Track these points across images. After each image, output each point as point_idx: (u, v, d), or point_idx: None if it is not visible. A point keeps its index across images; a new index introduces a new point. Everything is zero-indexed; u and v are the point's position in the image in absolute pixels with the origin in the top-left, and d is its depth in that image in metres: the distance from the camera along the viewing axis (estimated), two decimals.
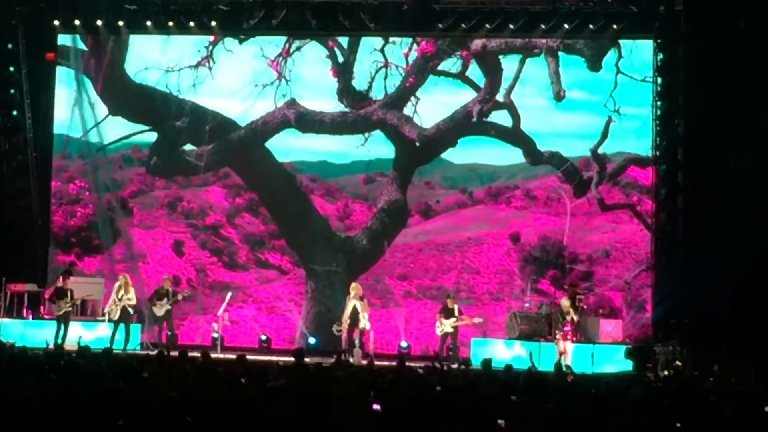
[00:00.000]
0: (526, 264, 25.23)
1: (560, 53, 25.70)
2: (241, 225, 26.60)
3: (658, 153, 24.14)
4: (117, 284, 23.00)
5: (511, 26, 24.57)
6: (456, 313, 23.01)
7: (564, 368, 18.36)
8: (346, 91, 26.52)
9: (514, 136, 26.01)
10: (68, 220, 26.26)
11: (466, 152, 26.68)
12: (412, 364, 16.70)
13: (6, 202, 25.56)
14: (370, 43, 26.33)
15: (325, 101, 26.42)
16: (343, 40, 26.43)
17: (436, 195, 26.91)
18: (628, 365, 21.18)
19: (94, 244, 25.89)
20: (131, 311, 22.81)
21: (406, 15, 24.77)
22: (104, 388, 9.86)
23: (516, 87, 26.00)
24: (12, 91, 25.58)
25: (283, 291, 25.89)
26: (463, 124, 26.21)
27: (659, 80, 24.18)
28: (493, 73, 26.33)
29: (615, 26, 24.31)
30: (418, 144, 26.24)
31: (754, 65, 22.03)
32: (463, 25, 24.71)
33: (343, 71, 26.53)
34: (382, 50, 26.40)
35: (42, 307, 24.57)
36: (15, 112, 25.63)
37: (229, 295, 24.10)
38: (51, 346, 19.56)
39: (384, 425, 9.26)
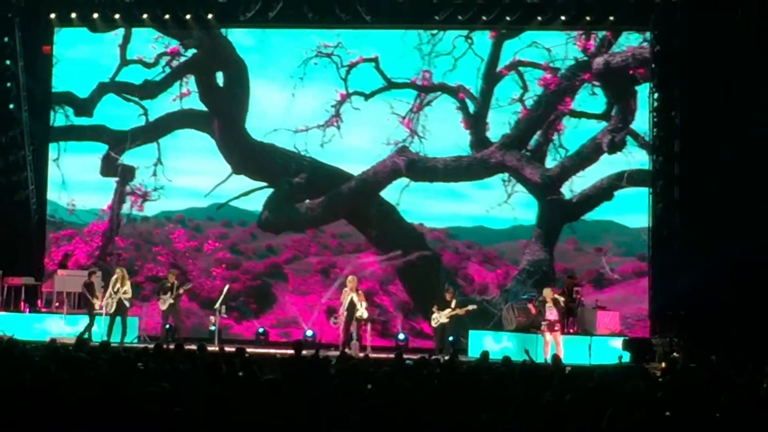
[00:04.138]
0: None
1: None
2: (395, 292, 25.63)
3: (655, 144, 24.13)
4: (114, 277, 22.97)
5: (508, 18, 24.54)
6: (452, 305, 22.95)
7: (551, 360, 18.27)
8: (480, 143, 25.52)
9: None
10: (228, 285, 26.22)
11: (642, 215, 24.28)
12: (410, 356, 16.68)
13: (3, 196, 25.55)
14: (507, 93, 25.48)
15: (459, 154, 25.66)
16: (475, 90, 25.50)
17: (610, 263, 24.90)
18: (625, 357, 21.15)
19: (252, 308, 25.88)
20: (127, 304, 22.81)
21: (403, 7, 24.74)
22: (99, 379, 9.87)
23: None
24: (8, 84, 25.56)
25: None
26: (592, 159, 24.77)
27: (656, 71, 24.18)
28: (623, 95, 24.76)
29: (612, 17, 24.31)
30: (564, 197, 24.78)
31: (751, 56, 22.01)
32: (460, 17, 24.66)
33: (475, 122, 25.58)
34: (521, 99, 25.41)
35: (39, 301, 24.57)
36: (11, 106, 25.61)
37: (226, 287, 24.08)
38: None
39: (379, 417, 9.25)
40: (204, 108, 26.61)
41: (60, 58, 26.78)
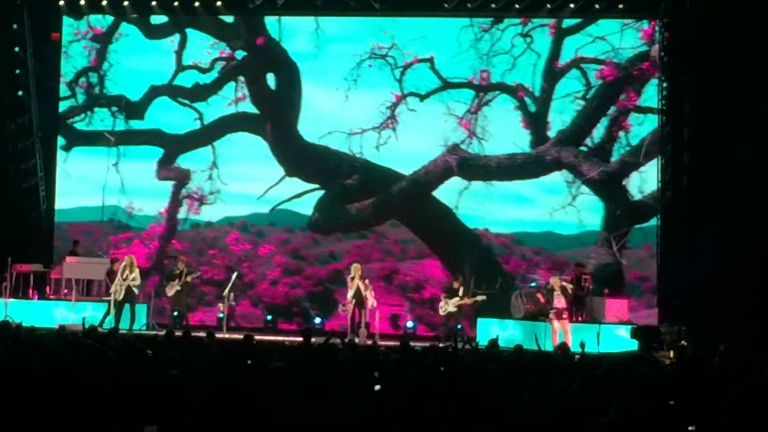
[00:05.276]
0: None
1: None
2: None
3: (663, 133, 24.05)
4: (122, 264, 23.04)
5: (517, 6, 24.47)
6: (460, 294, 22.93)
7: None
8: (540, 142, 25.03)
9: None
10: (291, 290, 26.18)
11: None
12: (417, 344, 16.69)
13: (12, 183, 25.59)
14: (568, 90, 25.08)
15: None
16: (534, 89, 25.09)
17: None
18: (633, 345, 21.13)
19: (313, 314, 25.65)
20: (136, 291, 22.87)
21: None
22: (108, 366, 9.89)
23: None
24: (17, 71, 25.58)
25: None
26: (653, 154, 24.05)
27: (665, 60, 24.09)
28: None
29: (621, 5, 24.23)
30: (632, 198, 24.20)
31: (759, 45, 21.91)
32: (469, 5, 24.60)
33: (535, 121, 25.15)
34: (584, 97, 25.00)
35: (48, 287, 24.58)
36: (20, 93, 25.64)
37: (234, 275, 24.12)
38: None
39: (387, 405, 9.25)
40: (256, 111, 26.47)
41: (114, 64, 26.83)
